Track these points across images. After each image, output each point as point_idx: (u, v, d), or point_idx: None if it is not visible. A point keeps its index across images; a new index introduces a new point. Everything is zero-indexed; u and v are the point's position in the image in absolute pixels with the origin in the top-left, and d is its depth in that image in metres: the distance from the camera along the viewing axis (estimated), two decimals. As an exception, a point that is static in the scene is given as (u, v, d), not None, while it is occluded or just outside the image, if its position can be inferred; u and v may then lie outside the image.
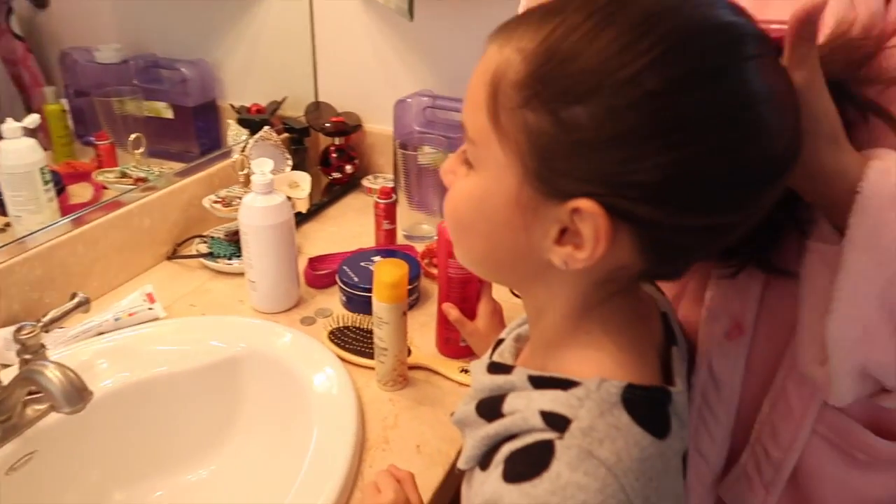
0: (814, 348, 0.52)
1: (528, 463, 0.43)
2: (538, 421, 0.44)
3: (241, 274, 1.03)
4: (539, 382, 0.47)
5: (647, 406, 0.45)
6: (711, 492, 0.69)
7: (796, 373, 0.59)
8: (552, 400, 0.45)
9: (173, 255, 1.13)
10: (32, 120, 0.94)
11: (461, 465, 0.51)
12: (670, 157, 0.39)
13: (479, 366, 0.55)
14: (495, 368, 0.52)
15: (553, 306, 0.50)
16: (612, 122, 0.39)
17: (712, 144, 0.39)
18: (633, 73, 0.38)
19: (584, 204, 0.41)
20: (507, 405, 0.48)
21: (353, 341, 0.92)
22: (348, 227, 1.28)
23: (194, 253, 1.13)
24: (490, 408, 0.49)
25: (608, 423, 0.43)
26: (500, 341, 0.61)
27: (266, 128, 1.21)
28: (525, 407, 0.46)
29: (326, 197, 1.38)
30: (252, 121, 1.29)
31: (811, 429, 0.60)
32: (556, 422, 0.44)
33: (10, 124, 0.92)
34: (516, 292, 0.57)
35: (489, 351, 0.62)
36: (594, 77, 0.39)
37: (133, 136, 1.15)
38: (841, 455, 0.61)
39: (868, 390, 0.52)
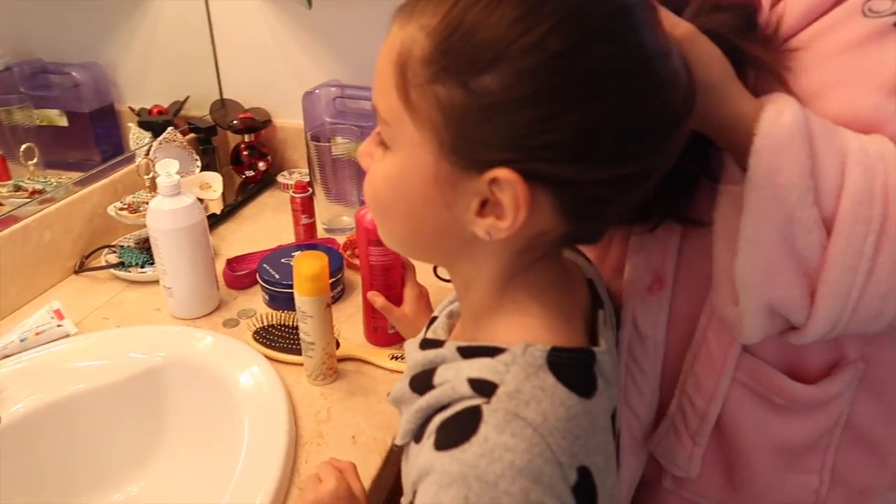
0: (728, 288, 0.55)
1: (458, 429, 0.44)
2: (466, 389, 0.45)
3: (156, 282, 0.99)
4: (467, 352, 0.48)
5: (572, 367, 0.46)
6: (643, 446, 0.71)
7: (716, 322, 0.61)
8: (479, 367, 0.46)
9: (81, 269, 1.08)
10: None
11: (398, 440, 0.52)
12: (578, 113, 0.40)
13: (412, 344, 0.55)
14: (427, 344, 0.53)
15: (480, 278, 0.51)
16: (521, 84, 0.40)
17: (616, 98, 0.41)
18: (537, 38, 0.39)
19: (501, 173, 0.42)
20: (438, 377, 0.49)
21: (279, 339, 0.90)
22: (266, 225, 1.25)
23: (104, 264, 1.08)
24: (422, 382, 0.50)
25: (534, 385, 0.44)
26: (434, 319, 0.62)
27: (170, 129, 1.16)
28: (454, 377, 0.47)
29: (241, 196, 1.34)
30: (154, 123, 1.24)
31: (732, 377, 0.63)
32: (484, 387, 0.44)
33: None
34: (442, 275, 0.57)
35: (423, 330, 0.62)
36: (500, 44, 0.40)
37: (24, 146, 1.08)
38: (760, 401, 0.63)
39: (777, 328, 0.55)
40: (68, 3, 1.22)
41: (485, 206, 0.44)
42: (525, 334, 0.47)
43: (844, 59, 0.53)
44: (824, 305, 0.51)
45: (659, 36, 0.43)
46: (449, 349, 0.50)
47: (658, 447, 0.69)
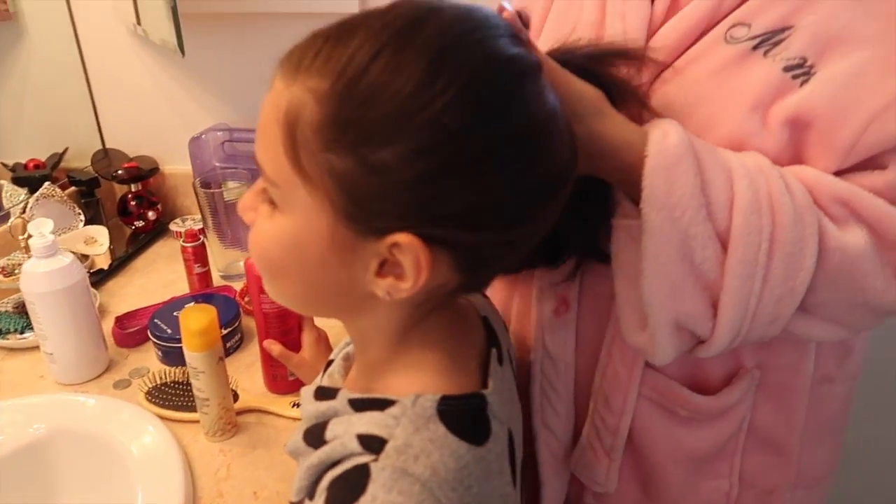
0: (632, 317, 0.56)
1: (346, 488, 0.42)
2: (355, 445, 0.44)
3: (38, 347, 0.93)
4: (359, 405, 0.47)
5: (462, 415, 0.46)
6: (564, 465, 0.72)
7: (619, 341, 0.63)
8: (368, 422, 0.45)
9: (-48, 340, 1.00)
10: None
11: (293, 497, 0.50)
12: (475, 186, 0.41)
13: (307, 392, 0.54)
14: (321, 394, 0.52)
15: (377, 332, 0.50)
16: (418, 161, 0.39)
17: (511, 169, 0.42)
18: (434, 115, 0.39)
19: (403, 238, 0.41)
20: (329, 431, 0.47)
21: (173, 397, 0.86)
22: (159, 276, 1.20)
23: (-22, 333, 1.00)
24: (315, 435, 0.49)
25: (423, 437, 0.43)
26: (331, 363, 0.61)
27: (47, 184, 1.11)
28: (344, 432, 0.46)
29: (131, 248, 1.28)
30: (31, 178, 1.18)
31: (637, 392, 0.64)
32: (372, 444, 0.44)
33: None
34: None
35: (320, 375, 0.60)
36: (397, 120, 0.39)
37: None
38: (666, 414, 0.65)
39: (687, 344, 0.56)
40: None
41: (384, 267, 0.44)
42: (416, 385, 0.47)
43: (713, 83, 0.56)
44: (727, 315, 0.53)
45: (547, 99, 0.44)
46: (341, 402, 0.48)
47: (577, 465, 0.70)
